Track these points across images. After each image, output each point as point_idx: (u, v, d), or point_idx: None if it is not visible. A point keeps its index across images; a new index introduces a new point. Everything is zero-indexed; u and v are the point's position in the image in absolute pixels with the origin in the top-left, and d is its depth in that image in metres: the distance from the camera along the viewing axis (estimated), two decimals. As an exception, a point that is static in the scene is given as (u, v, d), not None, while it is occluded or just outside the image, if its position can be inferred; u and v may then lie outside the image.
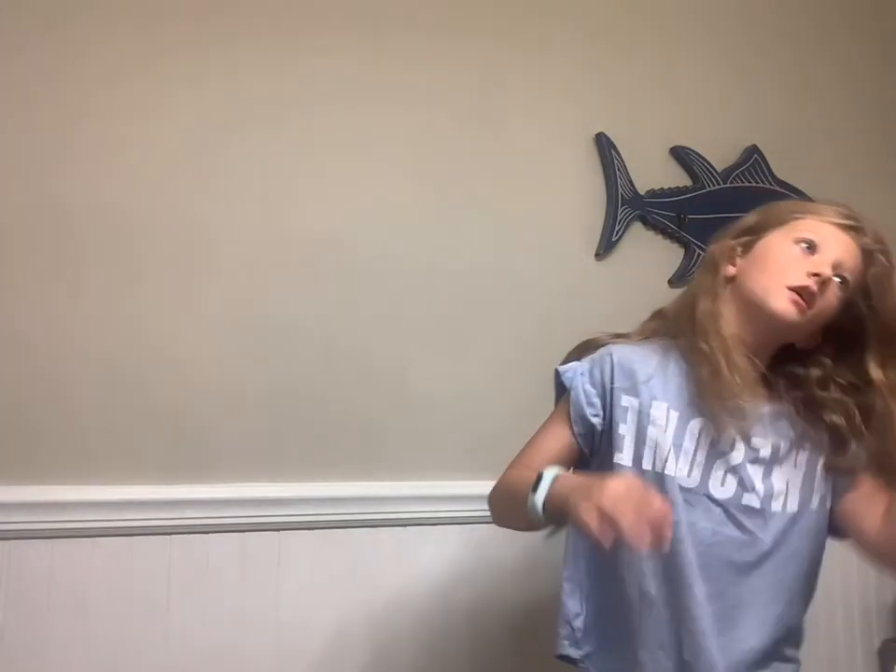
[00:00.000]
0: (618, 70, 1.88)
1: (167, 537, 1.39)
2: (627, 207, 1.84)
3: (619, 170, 1.84)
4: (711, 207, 1.90)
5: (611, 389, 1.22)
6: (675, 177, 1.92)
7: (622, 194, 1.83)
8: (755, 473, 1.20)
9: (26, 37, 1.41)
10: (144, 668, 1.36)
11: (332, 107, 1.61)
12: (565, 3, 1.87)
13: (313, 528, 1.50)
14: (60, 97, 1.42)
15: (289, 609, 1.47)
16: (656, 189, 1.89)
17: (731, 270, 1.26)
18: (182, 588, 1.40)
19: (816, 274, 1.19)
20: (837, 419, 1.22)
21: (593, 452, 1.24)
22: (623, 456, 1.19)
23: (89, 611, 1.34)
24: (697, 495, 1.17)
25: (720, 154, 1.96)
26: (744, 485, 1.19)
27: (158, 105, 1.48)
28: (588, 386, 1.23)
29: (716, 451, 1.19)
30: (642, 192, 1.86)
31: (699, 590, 1.15)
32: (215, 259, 1.50)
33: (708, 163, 1.93)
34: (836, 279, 1.21)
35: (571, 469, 1.24)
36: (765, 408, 1.23)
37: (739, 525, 1.18)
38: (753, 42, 2.06)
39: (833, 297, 1.21)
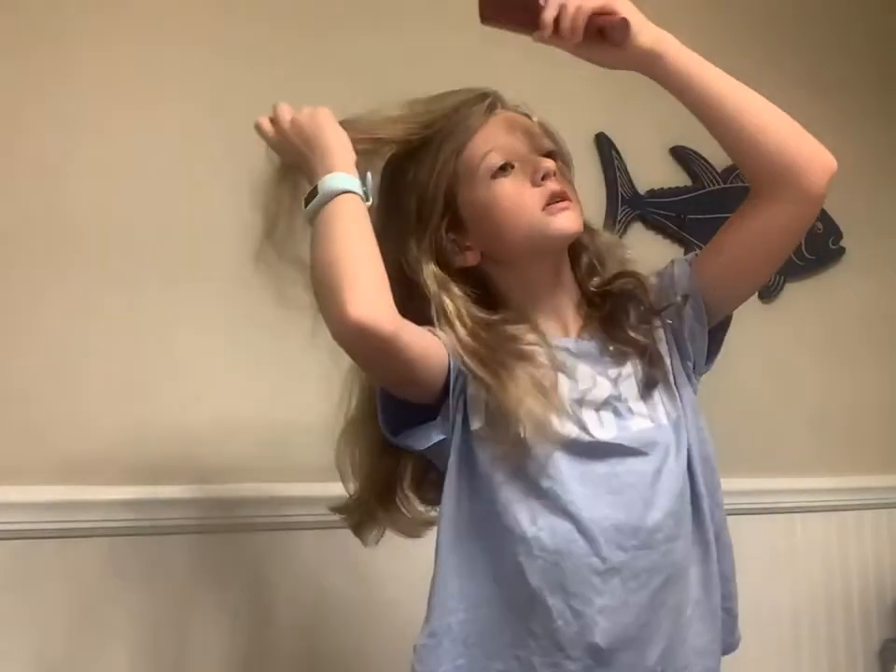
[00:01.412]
0: (618, 70, 1.88)
1: (167, 537, 1.39)
2: (627, 207, 1.84)
3: (619, 170, 1.84)
4: (711, 207, 1.90)
5: None
6: (675, 177, 1.92)
7: (622, 194, 1.83)
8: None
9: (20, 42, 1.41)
10: (144, 668, 1.36)
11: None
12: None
13: (313, 528, 1.49)
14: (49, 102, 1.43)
15: (289, 609, 1.46)
16: (656, 188, 1.89)
17: (470, 259, 1.09)
18: (182, 588, 1.40)
19: (543, 177, 1.05)
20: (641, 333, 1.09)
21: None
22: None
23: (88, 611, 1.33)
24: None
25: (720, 154, 1.91)
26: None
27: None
28: None
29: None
30: (642, 192, 1.86)
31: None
32: (213, 259, 1.50)
33: (708, 163, 1.93)
34: (549, 160, 1.07)
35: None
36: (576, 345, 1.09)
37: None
38: (753, 42, 2.06)
39: (564, 177, 1.09)
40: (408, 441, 1.05)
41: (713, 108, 1.05)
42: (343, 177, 1.00)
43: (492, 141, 1.07)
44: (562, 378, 1.05)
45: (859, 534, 2.00)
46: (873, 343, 2.14)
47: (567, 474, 1.01)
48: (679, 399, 1.09)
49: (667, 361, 1.10)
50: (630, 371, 1.08)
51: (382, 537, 1.19)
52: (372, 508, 1.15)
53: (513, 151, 1.07)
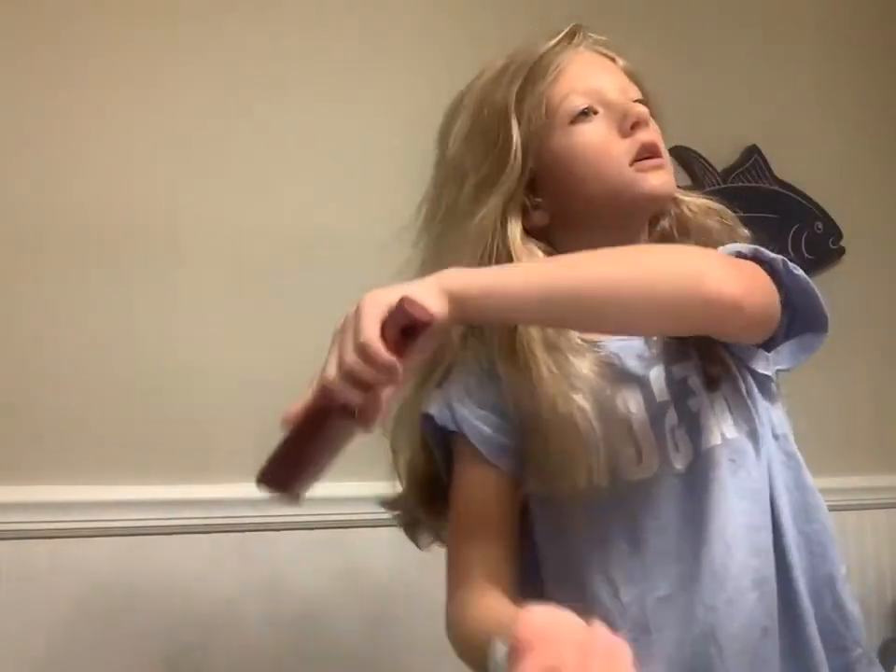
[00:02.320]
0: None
1: (167, 537, 1.39)
2: (628, 207, 1.83)
3: (620, 170, 1.83)
4: (712, 207, 1.89)
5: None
6: (675, 177, 1.91)
7: (622, 194, 1.83)
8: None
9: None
10: (144, 668, 1.36)
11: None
12: (556, 2, 1.87)
13: (312, 528, 1.49)
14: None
15: (289, 610, 1.46)
16: (656, 188, 1.89)
17: (536, 219, 0.91)
18: (182, 588, 1.39)
19: (633, 125, 0.90)
20: None
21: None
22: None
23: (89, 612, 1.33)
24: None
25: (720, 154, 1.95)
26: None
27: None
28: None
29: None
30: (642, 192, 1.86)
31: None
32: (212, 258, 1.49)
33: (708, 163, 1.93)
34: (640, 105, 0.92)
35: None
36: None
37: None
38: (753, 42, 2.06)
39: (654, 126, 0.93)
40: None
41: (568, 318, 0.81)
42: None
43: (573, 82, 0.91)
44: (634, 394, 0.89)
45: (859, 534, 2.00)
46: (872, 342, 2.14)
47: (637, 526, 0.86)
48: (752, 409, 0.91)
49: (728, 361, 0.91)
50: (694, 372, 0.90)
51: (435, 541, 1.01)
52: (414, 506, 0.97)
53: (598, 94, 0.91)
